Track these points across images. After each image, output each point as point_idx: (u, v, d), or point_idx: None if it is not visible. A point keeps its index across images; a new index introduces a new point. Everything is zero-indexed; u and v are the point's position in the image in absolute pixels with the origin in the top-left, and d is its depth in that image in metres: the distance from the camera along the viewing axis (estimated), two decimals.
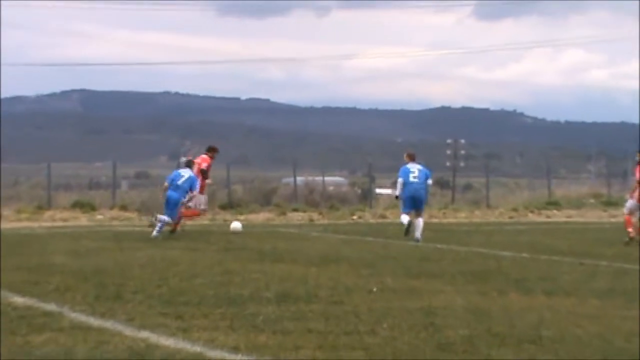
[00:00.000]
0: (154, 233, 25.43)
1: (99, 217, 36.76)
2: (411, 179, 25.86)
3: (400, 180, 26.19)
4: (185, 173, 26.35)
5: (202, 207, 27.95)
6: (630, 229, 24.06)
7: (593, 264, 19.57)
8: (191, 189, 26.10)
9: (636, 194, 23.98)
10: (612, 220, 37.03)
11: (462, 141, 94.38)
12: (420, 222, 25.95)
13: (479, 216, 41.13)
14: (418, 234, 25.53)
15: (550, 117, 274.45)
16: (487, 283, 15.71)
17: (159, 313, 11.85)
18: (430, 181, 26.70)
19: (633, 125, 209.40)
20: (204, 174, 27.55)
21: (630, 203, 24.51)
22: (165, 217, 25.82)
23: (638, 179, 24.20)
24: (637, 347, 10.15)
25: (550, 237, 27.76)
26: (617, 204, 41.79)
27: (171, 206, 26.01)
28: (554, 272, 17.89)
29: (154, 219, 26.27)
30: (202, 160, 27.89)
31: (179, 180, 26.14)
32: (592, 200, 46.38)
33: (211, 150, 28.69)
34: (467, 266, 18.66)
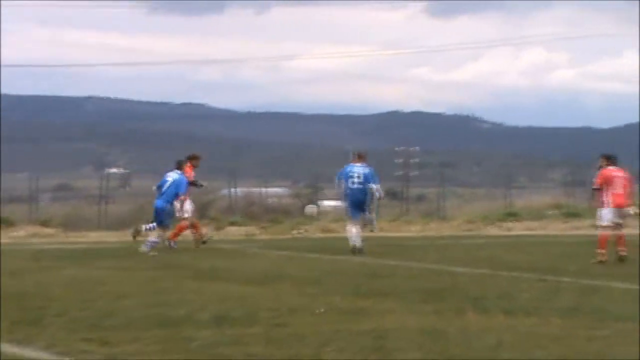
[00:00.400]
0: (143, 247, 25.44)
1: (15, 234, 36.40)
2: (350, 184, 26.15)
3: (338, 181, 26.63)
4: (171, 177, 26.34)
5: (186, 215, 27.95)
6: (620, 247, 23.58)
7: (555, 280, 19.68)
8: (177, 193, 26.08)
9: (609, 199, 23.65)
10: (576, 232, 37.24)
11: (416, 148, 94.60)
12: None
13: (433, 229, 41.20)
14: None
15: (510, 122, 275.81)
16: (443, 302, 15.73)
17: (82, 339, 11.78)
18: (374, 185, 26.81)
19: (600, 130, 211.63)
20: (193, 184, 27.70)
21: (606, 212, 23.82)
22: (154, 239, 25.77)
23: (597, 184, 24.00)
24: None
25: (510, 252, 27.86)
26: (580, 215, 42.06)
27: (158, 215, 26.00)
28: (514, 289, 17.91)
29: (141, 229, 26.33)
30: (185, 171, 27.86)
31: (164, 185, 26.14)
32: (554, 212, 46.60)
33: (193, 159, 28.69)
34: (420, 283, 18.71)
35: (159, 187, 26.35)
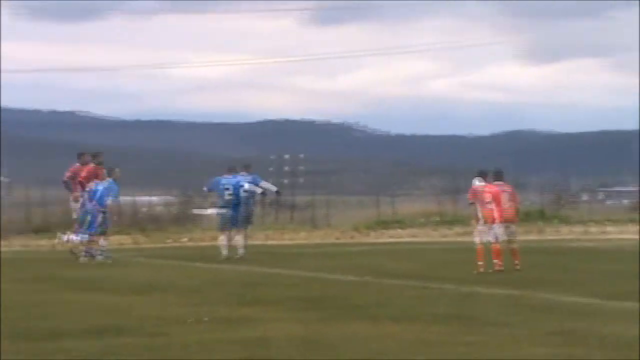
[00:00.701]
0: (82, 259, 25.27)
1: None
2: (225, 195, 26.35)
3: (209, 191, 27.00)
4: (101, 186, 26.18)
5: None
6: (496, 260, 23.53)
7: (437, 287, 19.82)
8: (100, 203, 25.92)
9: (495, 214, 23.45)
10: (458, 239, 37.50)
11: (301, 156, 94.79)
12: (240, 239, 26.48)
13: (317, 236, 41.24)
14: (241, 251, 26.21)
15: (391, 129, 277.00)
16: (327, 310, 15.79)
17: None
18: (263, 184, 27.06)
19: (479, 137, 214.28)
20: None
21: (495, 228, 23.54)
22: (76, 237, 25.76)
23: (470, 199, 23.95)
24: None
25: (393, 259, 28.06)
26: (462, 221, 42.34)
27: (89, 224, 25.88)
28: (397, 296, 18.10)
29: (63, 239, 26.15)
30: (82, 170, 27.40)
31: (95, 196, 26.04)
32: (435, 219, 46.96)
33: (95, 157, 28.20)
34: (304, 291, 18.77)
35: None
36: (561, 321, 14.55)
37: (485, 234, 23.12)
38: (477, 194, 23.42)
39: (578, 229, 42.62)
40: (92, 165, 27.68)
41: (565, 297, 18.01)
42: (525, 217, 32.91)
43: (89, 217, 26.19)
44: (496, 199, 23.05)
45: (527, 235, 34.38)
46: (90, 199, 26.42)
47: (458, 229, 41.24)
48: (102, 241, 26.38)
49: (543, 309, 16.37)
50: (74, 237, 26.37)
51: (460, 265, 24.63)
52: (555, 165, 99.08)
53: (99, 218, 26.24)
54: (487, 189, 23.22)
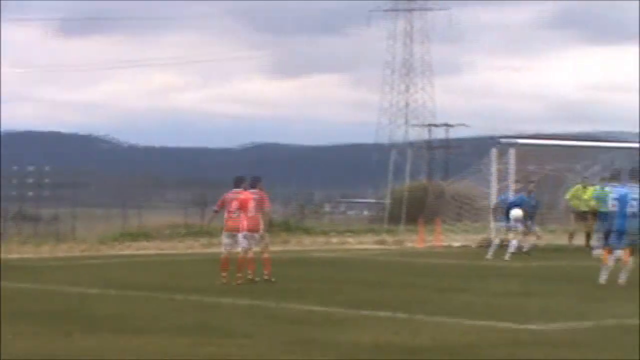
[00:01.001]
0: None
1: None
2: None
3: None
4: None
5: None
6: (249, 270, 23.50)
7: (183, 298, 19.89)
8: None
9: (242, 223, 23.33)
10: (205, 251, 37.62)
11: (47, 168, 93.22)
12: None
13: (63, 250, 40.69)
14: None
15: (139, 141, 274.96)
16: (69, 324, 15.56)
17: None
18: None
19: (228, 150, 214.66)
20: None
21: (240, 238, 23.52)
22: None
23: (217, 206, 23.83)
24: None
25: (139, 271, 27.99)
26: (210, 233, 42.44)
27: None
28: (142, 308, 18.11)
29: None
30: None
31: None
32: (182, 230, 46.95)
33: None
34: (46, 305, 18.51)
35: None
36: (301, 330, 14.94)
37: (232, 245, 23.24)
38: (224, 203, 23.51)
39: (321, 239, 43.30)
40: None
41: (307, 306, 18.40)
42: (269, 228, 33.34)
43: None
44: (243, 207, 23.08)
45: (272, 246, 34.80)
46: None
47: (204, 240, 41.36)
48: None
49: (285, 319, 16.73)
50: None
51: (206, 276, 24.76)
52: (299, 177, 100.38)
53: None
54: (236, 197, 23.31)
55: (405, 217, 49.38)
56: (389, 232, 45.53)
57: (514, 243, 31.54)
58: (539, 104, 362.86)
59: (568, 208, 38.42)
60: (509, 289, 22.35)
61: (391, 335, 14.34)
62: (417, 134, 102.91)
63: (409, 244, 40.36)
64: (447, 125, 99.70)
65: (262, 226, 23.54)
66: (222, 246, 23.52)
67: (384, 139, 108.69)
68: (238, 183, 23.76)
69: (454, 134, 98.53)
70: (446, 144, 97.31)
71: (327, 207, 76.88)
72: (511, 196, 34.48)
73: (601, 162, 41.53)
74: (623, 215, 24.50)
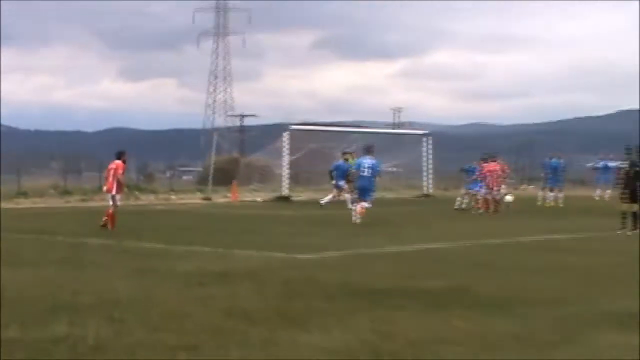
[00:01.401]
0: None
1: None
2: None
3: None
4: None
5: None
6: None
7: (58, 240, 19.54)
8: None
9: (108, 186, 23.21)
10: (68, 205, 36.78)
11: None
12: None
13: None
14: None
15: (29, 127, 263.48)
16: None
17: None
18: None
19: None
20: None
21: (109, 196, 23.27)
22: None
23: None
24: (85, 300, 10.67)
25: (28, 219, 27.10)
26: (72, 192, 41.52)
27: None
28: (23, 247, 17.61)
29: None
30: None
31: None
32: (52, 191, 45.71)
33: None
34: None
35: None
36: (146, 262, 15.01)
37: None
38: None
39: (162, 196, 43.06)
40: None
41: (151, 244, 18.40)
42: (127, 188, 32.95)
43: None
44: (110, 174, 23.09)
45: (129, 202, 34.48)
46: None
47: (68, 197, 40.22)
48: None
49: (134, 253, 16.65)
50: None
51: (79, 223, 24.56)
52: (146, 153, 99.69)
53: None
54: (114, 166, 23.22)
55: (223, 181, 49.72)
56: (211, 191, 45.81)
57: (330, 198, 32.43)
58: (310, 101, 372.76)
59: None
60: (288, 230, 22.80)
61: (209, 264, 14.55)
62: (231, 122, 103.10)
63: (224, 200, 40.71)
64: (250, 115, 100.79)
65: (111, 189, 23.25)
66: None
67: (208, 125, 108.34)
68: (118, 156, 23.43)
69: (255, 122, 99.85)
70: (250, 129, 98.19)
71: (167, 174, 76.43)
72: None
73: (357, 141, 42.79)
74: (369, 178, 25.73)
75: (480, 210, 31.14)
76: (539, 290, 11.74)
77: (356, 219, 24.53)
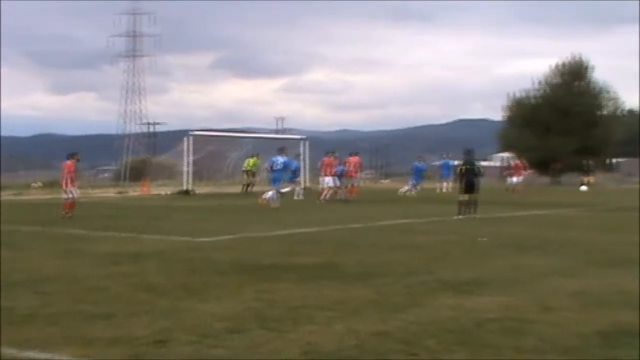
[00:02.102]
0: None
1: None
2: None
3: None
4: None
5: None
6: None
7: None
8: None
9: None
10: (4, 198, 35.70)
11: None
12: None
13: None
14: None
15: None
16: None
17: None
18: None
19: None
20: None
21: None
22: None
23: None
24: None
25: None
26: (5, 188, 40.09)
27: None
28: None
29: None
30: None
31: None
32: None
33: None
34: None
35: None
36: (69, 245, 14.75)
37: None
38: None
39: (84, 191, 41.93)
40: None
41: (73, 230, 17.81)
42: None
43: None
44: (64, 172, 22.46)
45: (57, 195, 33.38)
46: None
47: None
48: None
49: (59, 238, 16.22)
50: None
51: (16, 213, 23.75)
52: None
53: None
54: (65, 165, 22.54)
55: (135, 177, 48.98)
56: (126, 186, 45.04)
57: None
58: (209, 111, 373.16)
59: (243, 170, 39.38)
60: (190, 217, 22.59)
61: (123, 246, 14.39)
62: (142, 129, 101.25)
63: (136, 193, 40.04)
64: (158, 123, 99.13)
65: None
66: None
67: (122, 131, 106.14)
68: (70, 157, 22.75)
69: (163, 129, 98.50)
70: (158, 135, 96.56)
71: (88, 172, 75.00)
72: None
73: (247, 145, 42.86)
74: (280, 172, 26.84)
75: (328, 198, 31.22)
76: (392, 264, 11.96)
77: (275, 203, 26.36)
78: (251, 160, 38.58)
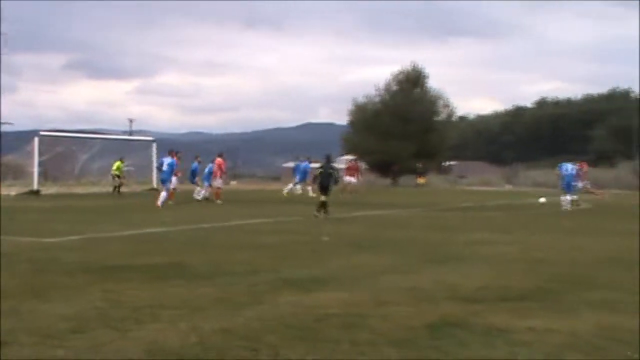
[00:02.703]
0: None
1: None
2: None
3: None
4: None
5: None
6: None
7: None
8: None
9: None
10: None
11: None
12: None
13: None
14: None
15: None
16: None
17: None
18: None
19: None
20: None
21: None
22: None
23: None
24: None
25: None
26: None
27: None
28: None
29: None
30: None
31: None
32: None
33: None
34: None
35: None
36: None
37: None
38: None
39: None
40: None
41: None
42: None
43: None
44: None
45: None
46: None
47: None
48: None
49: None
50: None
51: None
52: None
53: None
54: None
55: None
56: None
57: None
58: (60, 112, 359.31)
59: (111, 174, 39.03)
60: (37, 218, 21.77)
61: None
62: None
63: None
64: (6, 123, 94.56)
65: None
66: None
67: None
68: None
69: (11, 129, 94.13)
70: (6, 135, 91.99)
71: None
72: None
73: (96, 146, 41.87)
74: (168, 172, 28.06)
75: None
76: (238, 263, 11.99)
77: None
78: (116, 164, 38.68)
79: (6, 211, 24.83)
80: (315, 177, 23.83)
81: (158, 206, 26.41)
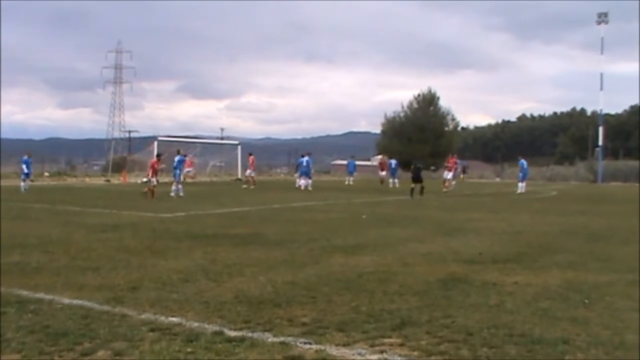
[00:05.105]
0: None
1: None
2: None
3: None
4: None
5: None
6: None
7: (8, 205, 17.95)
8: None
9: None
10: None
11: None
12: None
13: None
14: None
15: None
16: None
17: None
18: None
19: None
20: None
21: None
22: None
23: None
24: None
25: None
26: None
27: None
28: None
29: None
30: None
31: None
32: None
33: None
34: None
35: None
36: (68, 217, 14.04)
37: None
38: None
39: (80, 179, 40.48)
40: None
41: (71, 207, 16.98)
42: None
43: None
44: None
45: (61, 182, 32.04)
46: None
47: None
48: None
49: (61, 212, 15.32)
50: None
51: (30, 196, 22.63)
52: (72, 153, 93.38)
53: None
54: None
55: (117, 170, 47.38)
56: (110, 176, 43.60)
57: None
58: (172, 123, 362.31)
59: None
60: (155, 199, 21.93)
61: (107, 219, 13.71)
62: (121, 135, 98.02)
63: (118, 182, 38.85)
64: (134, 131, 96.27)
65: None
66: None
67: (108, 136, 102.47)
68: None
69: (138, 135, 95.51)
70: (133, 140, 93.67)
71: (84, 165, 72.76)
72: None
73: (198, 147, 41.57)
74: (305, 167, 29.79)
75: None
76: (299, 233, 11.94)
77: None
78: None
79: (133, 194, 25.30)
80: (412, 171, 25.21)
81: (309, 190, 26.70)
